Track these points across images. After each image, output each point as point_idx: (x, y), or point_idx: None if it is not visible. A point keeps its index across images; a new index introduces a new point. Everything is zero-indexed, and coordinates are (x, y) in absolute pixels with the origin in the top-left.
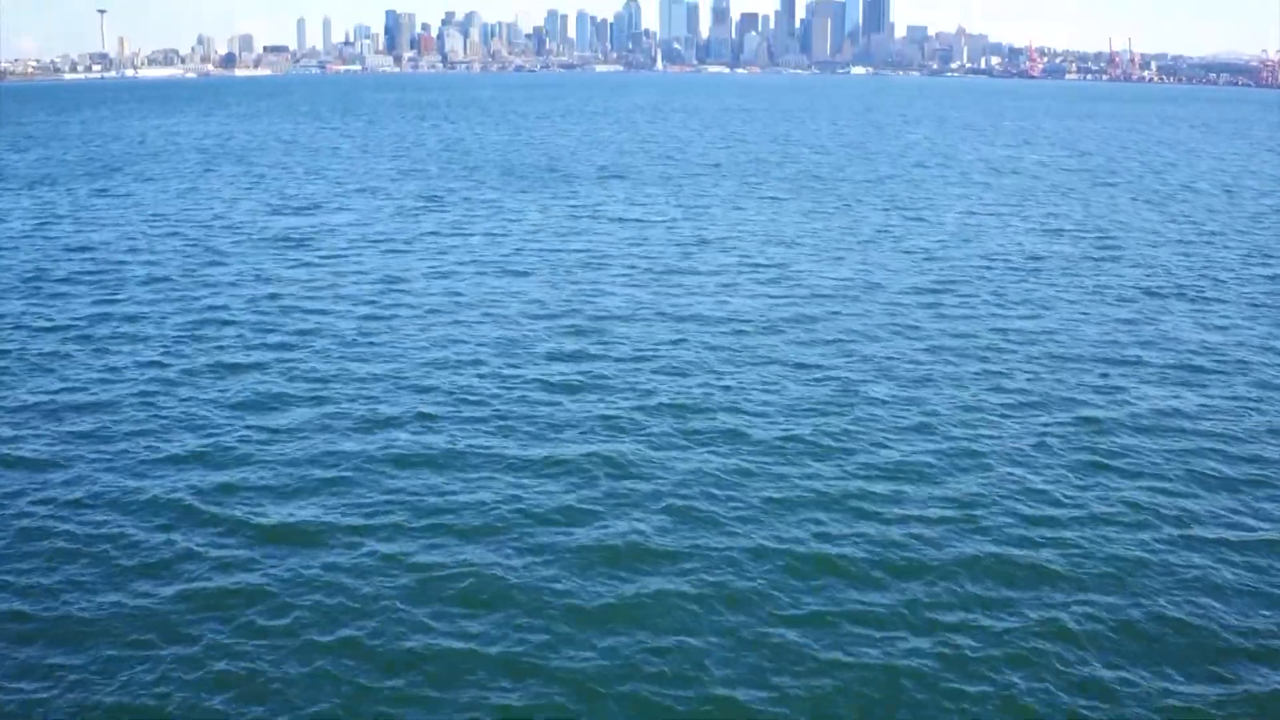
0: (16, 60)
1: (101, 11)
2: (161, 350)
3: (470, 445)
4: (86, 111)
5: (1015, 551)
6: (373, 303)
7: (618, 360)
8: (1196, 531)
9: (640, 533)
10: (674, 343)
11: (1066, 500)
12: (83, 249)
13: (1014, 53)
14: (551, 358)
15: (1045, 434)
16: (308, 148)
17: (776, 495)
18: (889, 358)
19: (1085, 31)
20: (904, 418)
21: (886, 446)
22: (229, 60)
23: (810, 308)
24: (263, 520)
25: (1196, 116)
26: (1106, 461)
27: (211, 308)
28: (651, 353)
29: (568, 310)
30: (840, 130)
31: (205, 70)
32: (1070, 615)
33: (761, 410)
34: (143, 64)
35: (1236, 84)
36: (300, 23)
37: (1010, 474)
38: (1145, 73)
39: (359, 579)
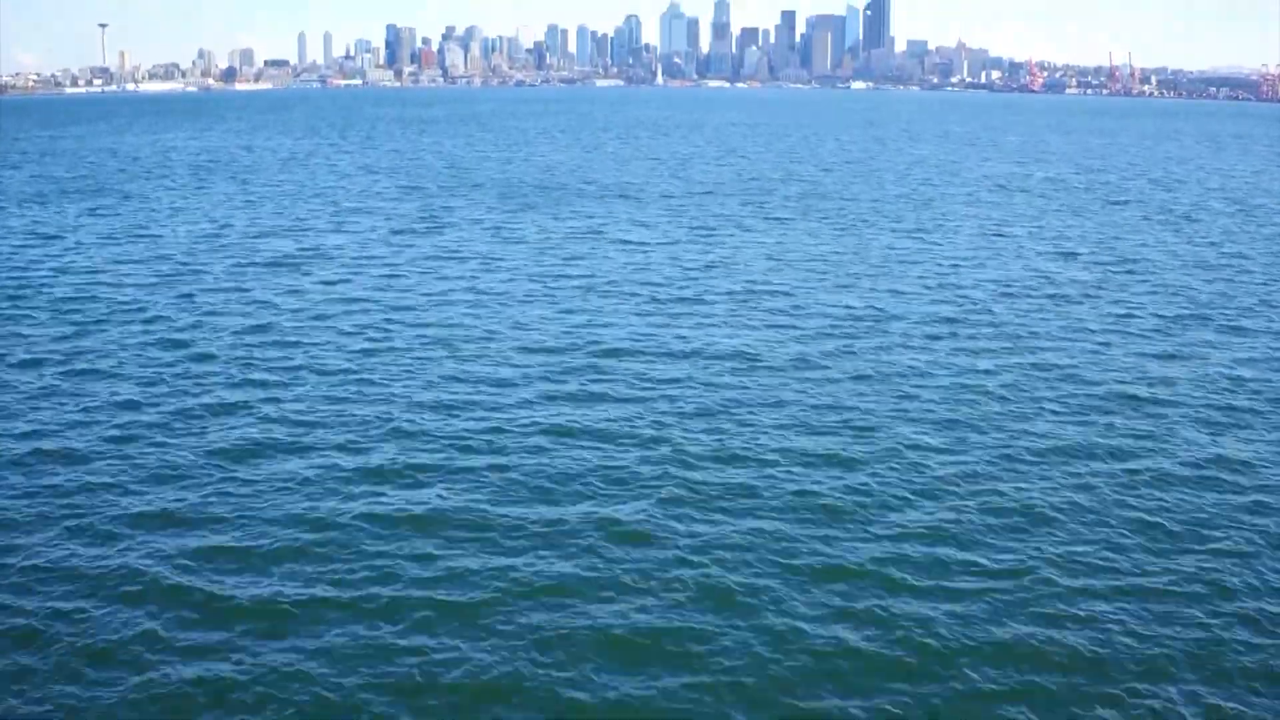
0: (17, 74)
1: (103, 26)
2: (140, 388)
3: (461, 504)
4: (84, 126)
5: (1070, 635)
6: (363, 335)
7: (620, 402)
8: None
9: (647, 613)
10: (680, 383)
11: (1127, 568)
12: (65, 272)
13: (1014, 67)
14: (550, 399)
15: (1085, 487)
16: (304, 165)
17: (798, 563)
18: (907, 398)
19: (1085, 46)
20: (930, 469)
21: (913, 505)
22: (229, 74)
23: (822, 342)
24: (236, 594)
25: (1200, 131)
26: (1153, 519)
27: (194, 340)
28: (655, 395)
29: (568, 345)
30: (843, 146)
31: (206, 84)
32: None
33: (774, 459)
34: (143, 78)
35: (1236, 98)
36: (301, 37)
37: (1053, 535)
38: (1145, 87)
39: (339, 666)
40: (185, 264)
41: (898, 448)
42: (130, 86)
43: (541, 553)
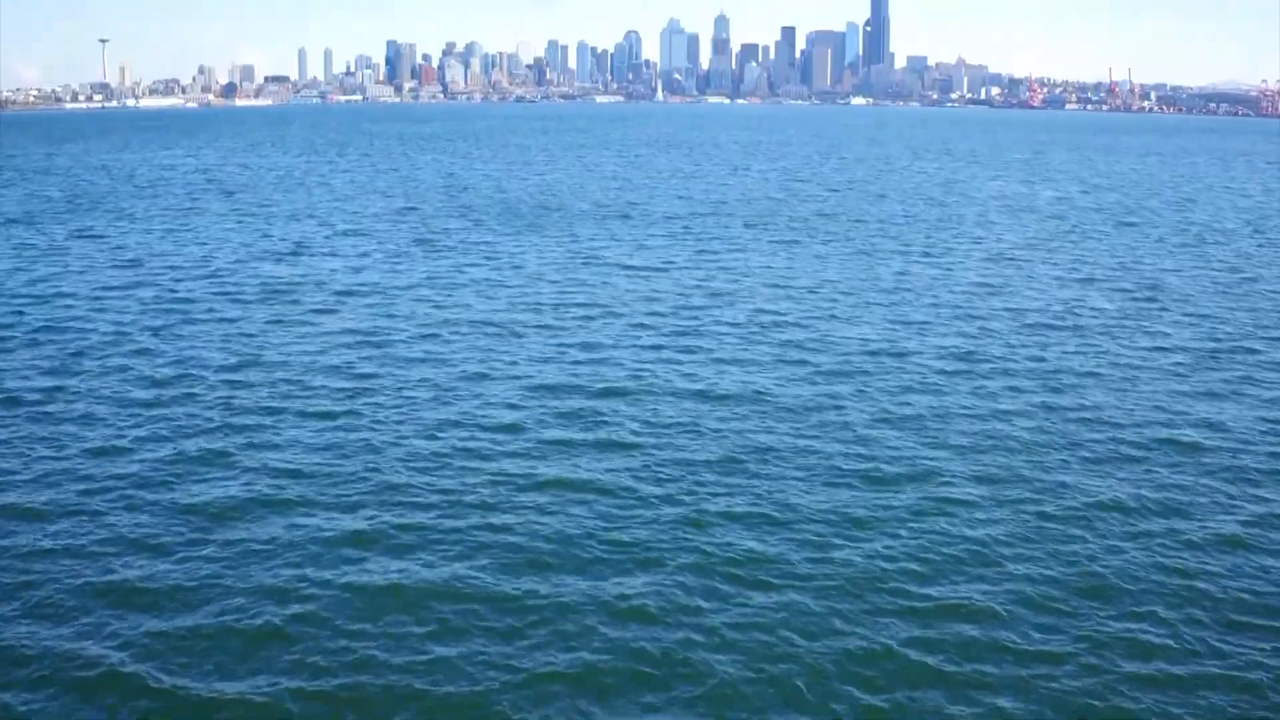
0: (18, 89)
1: (103, 41)
2: (114, 434)
3: (451, 575)
4: (81, 143)
5: None
6: (352, 372)
7: (624, 450)
8: None
9: (660, 713)
10: (688, 429)
11: (1194, 651)
12: (48, 299)
13: (1014, 83)
14: (549, 449)
15: (1130, 551)
16: (300, 184)
17: (827, 646)
18: (930, 445)
19: (1084, 62)
20: (959, 532)
21: (944, 576)
22: (230, 90)
23: (836, 382)
24: (200, 687)
25: (1204, 148)
26: (1221, 594)
27: (174, 379)
28: (663, 443)
29: (567, 384)
30: (848, 165)
31: (206, 100)
32: None
33: (791, 519)
34: (143, 94)
35: (1236, 114)
36: (301, 53)
37: (1096, 612)
38: (1145, 103)
39: None
40: (171, 291)
41: (923, 506)
42: (130, 102)
43: (539, 636)
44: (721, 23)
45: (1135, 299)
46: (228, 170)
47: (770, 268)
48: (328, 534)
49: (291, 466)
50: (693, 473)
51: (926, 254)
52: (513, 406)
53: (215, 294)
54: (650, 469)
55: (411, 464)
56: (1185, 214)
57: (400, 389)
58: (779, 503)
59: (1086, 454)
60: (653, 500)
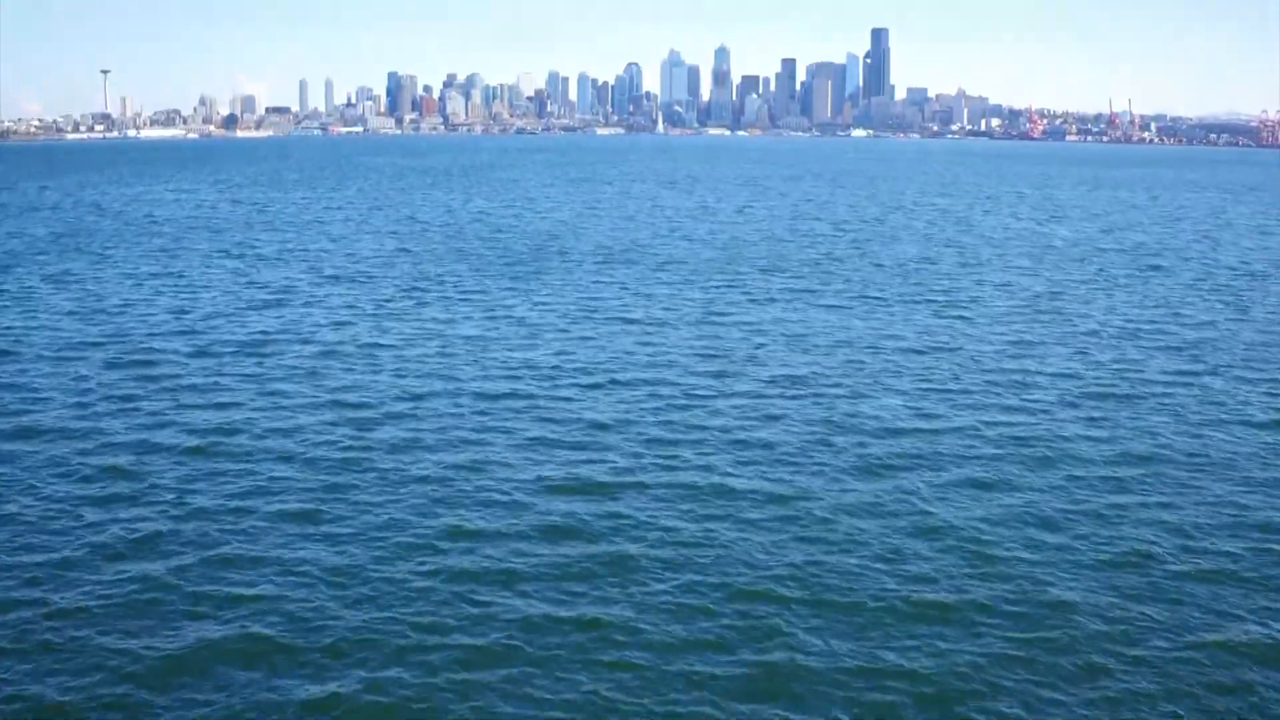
0: (19, 120)
1: (105, 72)
2: (53, 522)
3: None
4: (76, 176)
5: None
6: (329, 447)
7: (629, 552)
8: None
9: None
10: (701, 528)
11: None
12: (4, 356)
13: (1014, 114)
14: (542, 561)
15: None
16: (292, 222)
17: None
18: (984, 578)
19: (1084, 93)
20: (1023, 696)
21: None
22: (230, 121)
23: (867, 478)
24: None
25: (1212, 181)
26: None
27: (133, 450)
28: (679, 559)
29: (564, 469)
30: (857, 201)
31: (207, 131)
32: None
33: (823, 629)
34: (145, 124)
35: (1237, 144)
36: (302, 84)
37: None
38: (1145, 134)
39: None
40: (141, 345)
41: (974, 660)
42: (131, 133)
43: None
44: (722, 54)
45: (1183, 356)
46: (220, 207)
47: (783, 322)
48: (292, 650)
49: (249, 568)
50: (708, 575)
51: (951, 303)
52: (500, 497)
53: (188, 351)
54: (661, 600)
55: (387, 568)
56: (1211, 255)
57: (378, 469)
58: (805, 648)
59: (1176, 568)
60: (670, 647)
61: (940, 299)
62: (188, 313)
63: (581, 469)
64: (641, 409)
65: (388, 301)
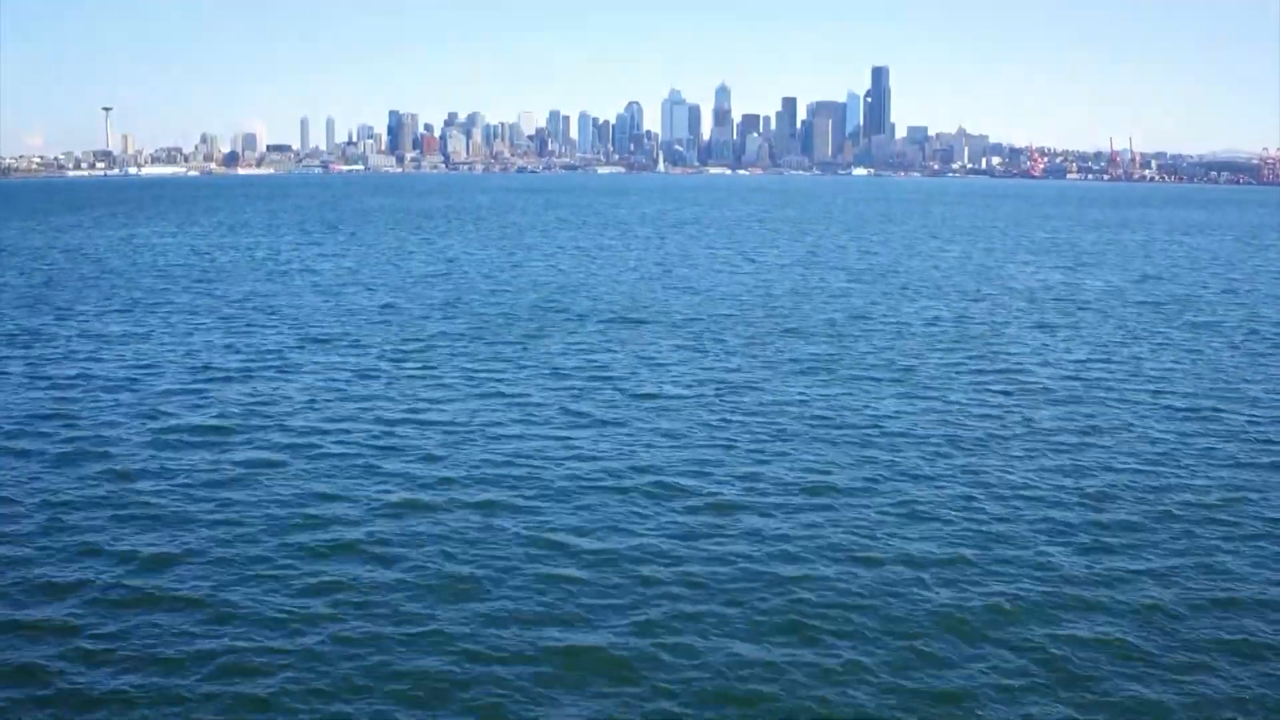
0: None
1: (106, 109)
2: None
3: None
4: (66, 217)
5: None
6: (297, 564)
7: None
8: None
9: None
10: (716, 686)
11: None
12: None
13: (1014, 153)
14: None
15: None
16: (281, 271)
17: None
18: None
19: (1084, 131)
20: None
21: None
22: (232, 159)
23: (914, 595)
24: None
25: (1228, 223)
26: None
27: (71, 568)
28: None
29: (551, 608)
30: (867, 247)
31: (208, 168)
32: None
33: None
34: (146, 161)
35: (1238, 182)
36: (304, 122)
37: None
38: (1146, 172)
39: None
40: (90, 423)
41: None
42: (133, 170)
43: None
44: (722, 93)
45: (1256, 443)
46: (206, 254)
47: (806, 400)
48: None
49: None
50: None
51: (991, 369)
52: (483, 643)
53: (142, 434)
54: None
55: (360, 703)
56: (1249, 309)
57: (350, 581)
58: None
59: None
60: None
61: (977, 363)
62: (145, 383)
63: (577, 610)
64: (653, 514)
65: (367, 371)
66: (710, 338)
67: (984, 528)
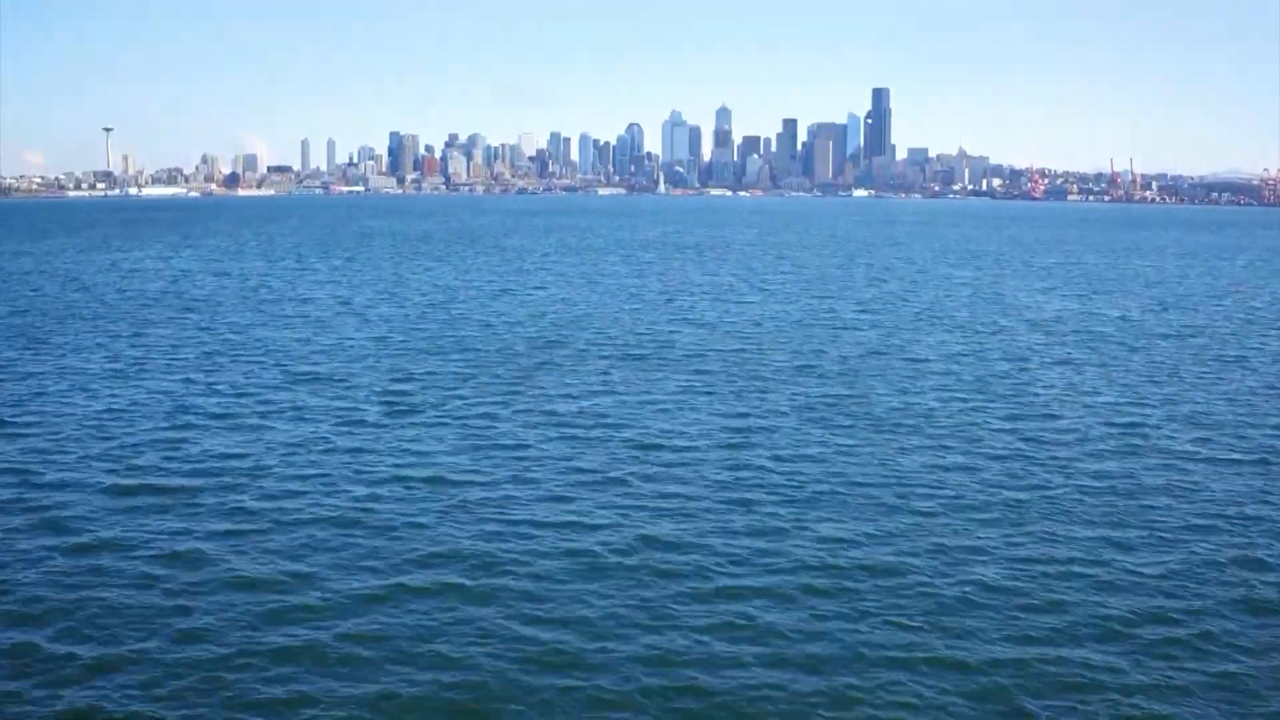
0: (21, 176)
1: (107, 129)
2: None
3: None
4: (60, 239)
5: None
6: (247, 673)
7: None
8: None
9: None
10: None
11: None
12: None
13: (1015, 174)
14: None
15: None
16: (272, 299)
17: None
18: None
19: (1085, 152)
20: None
21: None
22: (232, 180)
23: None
24: None
25: (1236, 245)
26: None
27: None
28: None
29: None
30: (875, 274)
31: (208, 189)
32: None
33: None
34: (146, 182)
35: (1239, 203)
36: (304, 143)
37: None
38: (1147, 193)
39: None
40: (52, 479)
41: None
42: (133, 190)
43: None
44: (723, 115)
45: None
46: (198, 279)
47: (823, 455)
48: None
49: None
50: None
51: (1019, 413)
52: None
53: (102, 495)
54: None
55: None
56: (1276, 346)
57: (324, 652)
58: None
59: None
60: None
61: (1006, 410)
62: (114, 435)
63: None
64: (642, 604)
65: (354, 422)
66: (719, 377)
67: (1029, 621)
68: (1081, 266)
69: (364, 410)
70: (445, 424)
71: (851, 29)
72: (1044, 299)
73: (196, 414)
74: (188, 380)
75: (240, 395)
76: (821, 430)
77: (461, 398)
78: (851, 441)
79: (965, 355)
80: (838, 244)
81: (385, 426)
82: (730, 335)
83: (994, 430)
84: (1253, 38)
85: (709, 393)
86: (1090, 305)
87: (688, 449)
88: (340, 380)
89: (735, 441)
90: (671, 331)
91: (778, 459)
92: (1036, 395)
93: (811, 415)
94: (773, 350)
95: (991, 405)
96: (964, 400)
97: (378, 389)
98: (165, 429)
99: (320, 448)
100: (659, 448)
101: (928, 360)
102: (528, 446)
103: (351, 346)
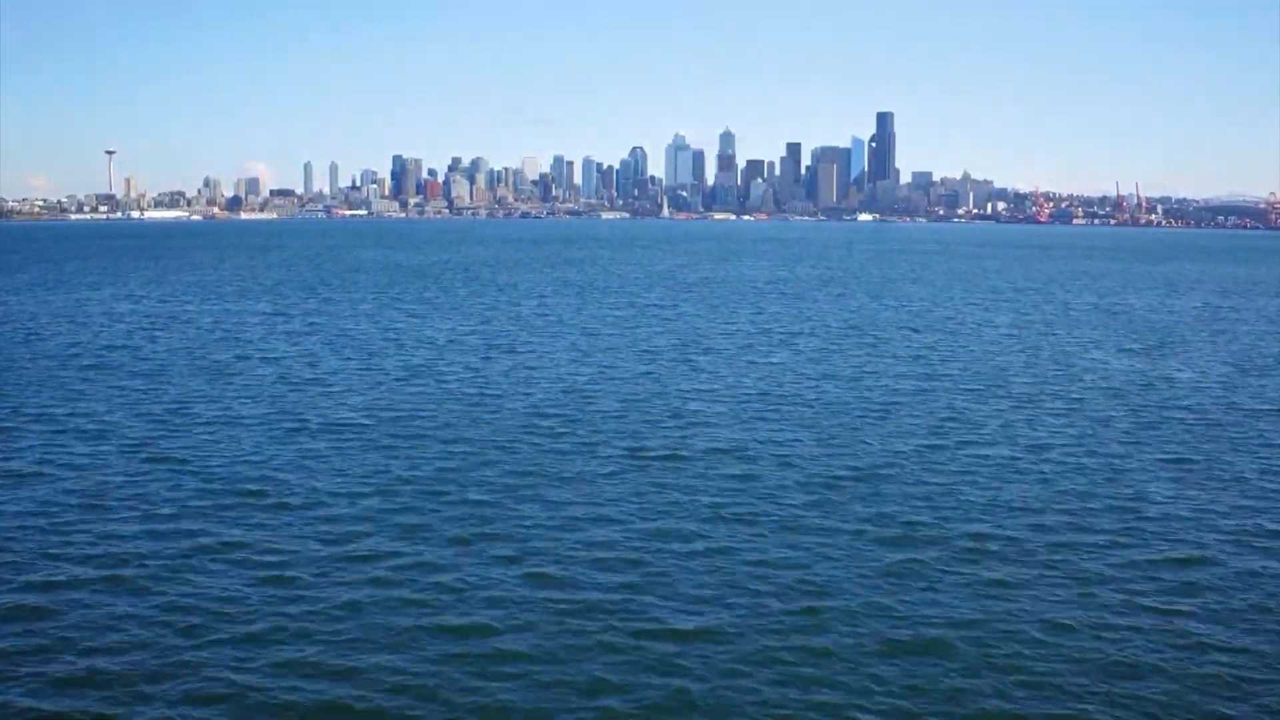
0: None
1: (110, 152)
2: None
3: None
4: (47, 268)
5: None
6: None
7: None
8: None
9: None
10: None
11: None
12: None
13: (1019, 198)
14: None
15: None
16: (233, 360)
17: None
18: None
19: (1089, 175)
20: None
21: None
22: (235, 203)
23: None
24: None
25: (1253, 277)
26: None
27: None
28: None
29: None
30: (906, 320)
31: (211, 213)
32: None
33: None
34: (149, 205)
35: (1244, 226)
36: (307, 166)
37: None
38: (1152, 216)
39: None
40: None
41: None
42: (135, 214)
43: None
44: (727, 139)
45: None
46: (161, 324)
47: (889, 606)
48: None
49: None
50: None
51: (1116, 529)
52: None
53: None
54: None
55: None
56: None
57: None
58: None
59: None
60: None
61: (1103, 525)
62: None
63: None
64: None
65: (293, 562)
66: (751, 483)
67: None
68: (1128, 312)
69: (307, 541)
70: (414, 568)
71: (855, 53)
72: (1101, 355)
73: (131, 522)
74: (103, 484)
75: (157, 516)
76: (877, 552)
77: (434, 517)
78: (912, 586)
79: (1030, 439)
80: (858, 281)
81: (332, 571)
82: (759, 420)
83: (1093, 541)
84: (1257, 62)
85: (737, 510)
86: (1155, 364)
87: (694, 539)
88: (286, 492)
89: (781, 592)
90: (689, 410)
91: (832, 615)
92: (1125, 496)
93: (865, 536)
94: (808, 439)
95: (1089, 514)
96: (1038, 510)
97: (333, 509)
98: (89, 541)
99: (298, 543)
100: (685, 612)
101: (988, 445)
102: (514, 605)
103: (306, 433)
